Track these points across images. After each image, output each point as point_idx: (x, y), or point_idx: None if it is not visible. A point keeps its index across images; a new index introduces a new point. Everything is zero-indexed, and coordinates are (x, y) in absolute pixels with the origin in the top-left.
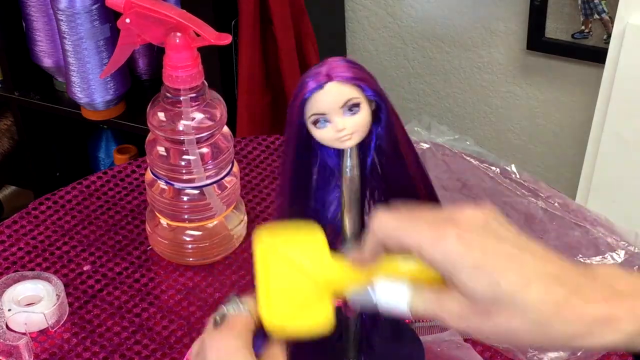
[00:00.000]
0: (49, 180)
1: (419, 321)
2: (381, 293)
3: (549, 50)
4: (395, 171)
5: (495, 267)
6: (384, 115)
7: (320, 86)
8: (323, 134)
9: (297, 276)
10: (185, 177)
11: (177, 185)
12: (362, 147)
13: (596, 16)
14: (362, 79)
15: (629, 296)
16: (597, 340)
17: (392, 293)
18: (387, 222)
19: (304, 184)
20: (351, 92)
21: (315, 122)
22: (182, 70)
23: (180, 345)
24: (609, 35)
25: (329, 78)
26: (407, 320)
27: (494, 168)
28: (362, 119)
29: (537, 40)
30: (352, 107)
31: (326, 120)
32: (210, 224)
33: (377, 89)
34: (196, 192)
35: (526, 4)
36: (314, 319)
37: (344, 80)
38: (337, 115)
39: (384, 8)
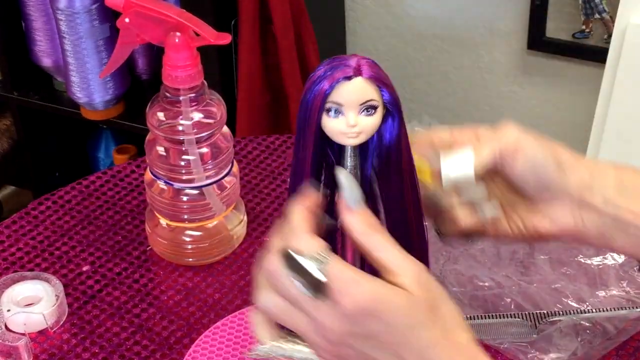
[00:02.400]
0: (48, 180)
1: None
2: (447, 163)
3: (550, 50)
4: (389, 181)
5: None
6: (395, 125)
7: (348, 77)
8: (333, 124)
9: None
10: (184, 177)
11: (177, 185)
12: (363, 150)
13: (597, 16)
14: (386, 83)
15: None
16: None
17: (458, 160)
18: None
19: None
20: (373, 93)
21: (327, 110)
22: (181, 70)
23: (180, 346)
24: (610, 35)
25: (359, 73)
26: None
27: None
28: (374, 122)
29: (537, 39)
30: (369, 108)
31: (339, 112)
32: (210, 224)
33: (395, 97)
34: (196, 192)
35: (527, 3)
36: None
37: (371, 79)
38: (352, 111)
39: (384, 8)
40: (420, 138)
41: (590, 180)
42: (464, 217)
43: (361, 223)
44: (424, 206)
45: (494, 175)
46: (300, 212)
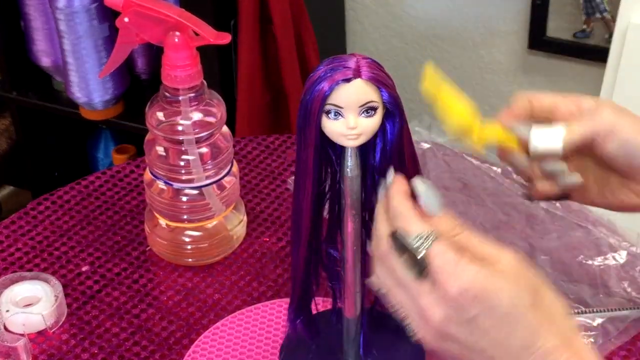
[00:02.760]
0: (48, 180)
1: None
2: (537, 135)
3: (551, 49)
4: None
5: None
6: (396, 125)
7: (347, 80)
8: (333, 126)
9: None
10: (184, 177)
11: (176, 185)
12: (363, 149)
13: (598, 15)
14: (386, 84)
15: None
16: None
17: (548, 133)
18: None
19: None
20: (373, 95)
21: (327, 112)
22: (181, 69)
23: (179, 347)
24: (611, 34)
25: (358, 74)
26: None
27: (495, 168)
28: (374, 123)
29: (538, 39)
30: (369, 110)
31: (339, 114)
32: (210, 224)
33: (396, 96)
34: (195, 192)
35: (528, 3)
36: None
37: (371, 80)
38: (352, 113)
39: (384, 8)
40: (519, 102)
41: None
42: (545, 187)
43: (446, 227)
44: (514, 171)
45: (585, 151)
46: (401, 197)
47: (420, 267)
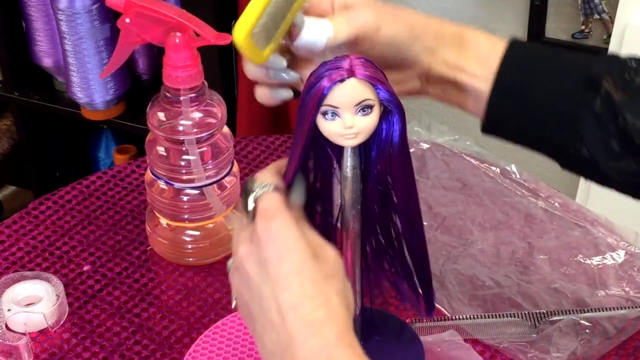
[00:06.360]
0: (49, 180)
1: (419, 321)
2: (308, 27)
3: None
4: (393, 178)
5: None
6: (394, 122)
7: (341, 80)
8: (330, 127)
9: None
10: (185, 177)
11: (177, 185)
12: (362, 149)
13: (596, 16)
14: (382, 81)
15: None
16: None
17: (317, 27)
18: None
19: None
20: (368, 93)
21: (324, 113)
22: (182, 70)
23: (180, 345)
24: (609, 35)
25: (351, 74)
26: (407, 320)
27: (494, 168)
28: (371, 121)
29: (537, 39)
30: (365, 108)
31: (335, 114)
32: (210, 224)
33: (392, 93)
34: (196, 192)
35: (526, 4)
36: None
37: (365, 79)
38: (348, 112)
39: None
40: None
41: (435, 44)
42: (263, 92)
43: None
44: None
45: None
46: (275, 165)
47: (252, 208)
